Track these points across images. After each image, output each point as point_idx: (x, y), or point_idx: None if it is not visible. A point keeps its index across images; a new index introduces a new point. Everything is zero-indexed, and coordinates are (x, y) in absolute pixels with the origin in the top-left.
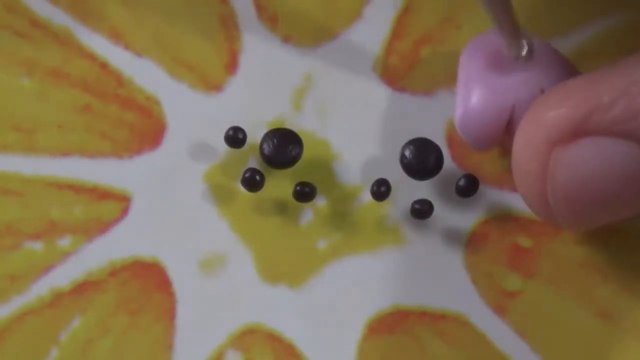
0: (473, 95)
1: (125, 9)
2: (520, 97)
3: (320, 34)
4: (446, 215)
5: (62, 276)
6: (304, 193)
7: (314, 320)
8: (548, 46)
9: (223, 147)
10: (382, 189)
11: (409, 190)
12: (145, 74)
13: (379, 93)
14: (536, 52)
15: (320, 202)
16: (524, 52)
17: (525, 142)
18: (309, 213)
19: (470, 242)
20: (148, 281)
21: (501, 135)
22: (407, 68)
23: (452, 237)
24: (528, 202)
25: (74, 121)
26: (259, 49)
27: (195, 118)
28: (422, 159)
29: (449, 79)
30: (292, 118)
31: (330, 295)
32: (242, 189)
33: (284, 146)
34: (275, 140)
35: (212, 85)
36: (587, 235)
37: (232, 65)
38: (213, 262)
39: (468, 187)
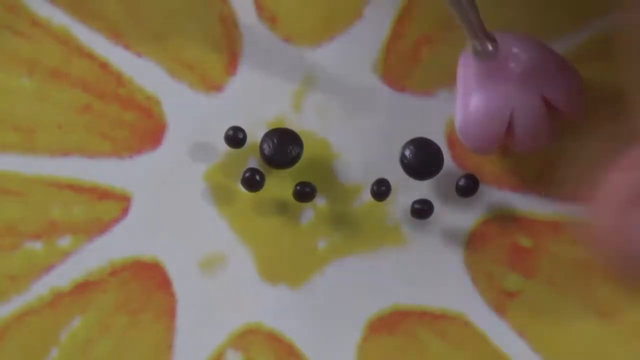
0: (472, 101)
1: (125, 9)
2: (518, 101)
3: (321, 34)
4: (446, 215)
5: (62, 276)
6: (304, 193)
7: (314, 320)
8: (546, 49)
9: (223, 147)
10: (382, 188)
11: (409, 190)
12: (145, 74)
13: (379, 93)
14: (534, 55)
15: (320, 202)
16: (489, 48)
17: (605, 201)
18: (309, 213)
19: (470, 242)
20: (148, 281)
21: (501, 139)
22: (407, 68)
23: (452, 237)
24: (606, 256)
25: (74, 121)
26: (259, 49)
27: (195, 118)
28: (422, 159)
29: (449, 79)
30: (292, 118)
31: (330, 295)
32: (242, 189)
33: (284, 146)
34: (275, 140)
35: (212, 85)
36: None
37: (232, 65)
38: (213, 262)
39: (468, 187)
